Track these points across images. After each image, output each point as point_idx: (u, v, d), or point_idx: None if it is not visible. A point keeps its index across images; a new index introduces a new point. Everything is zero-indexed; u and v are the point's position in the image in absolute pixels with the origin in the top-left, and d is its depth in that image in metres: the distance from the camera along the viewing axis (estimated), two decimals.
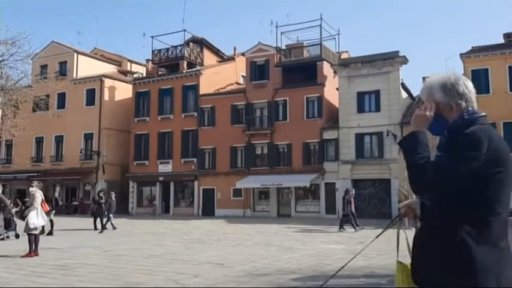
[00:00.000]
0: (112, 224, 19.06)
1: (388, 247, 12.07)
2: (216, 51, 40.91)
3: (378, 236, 2.91)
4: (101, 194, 20.12)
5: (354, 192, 19.35)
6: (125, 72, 42.24)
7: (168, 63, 37.73)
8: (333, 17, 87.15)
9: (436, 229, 1.95)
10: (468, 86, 2.07)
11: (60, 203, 20.76)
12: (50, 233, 16.03)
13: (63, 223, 21.92)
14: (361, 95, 29.66)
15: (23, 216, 10.54)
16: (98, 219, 18.84)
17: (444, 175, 1.86)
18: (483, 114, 2.03)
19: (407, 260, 2.27)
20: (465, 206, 1.89)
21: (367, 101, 29.72)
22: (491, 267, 1.84)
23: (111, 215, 19.31)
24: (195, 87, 35.05)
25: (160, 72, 38.03)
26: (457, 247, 1.86)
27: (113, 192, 20.82)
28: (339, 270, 3.37)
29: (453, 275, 1.86)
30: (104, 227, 18.41)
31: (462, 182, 1.87)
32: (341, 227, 17.95)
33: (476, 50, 28.44)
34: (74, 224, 22.12)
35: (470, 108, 2.03)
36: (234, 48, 40.91)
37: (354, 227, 17.80)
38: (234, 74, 37.74)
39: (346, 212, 18.13)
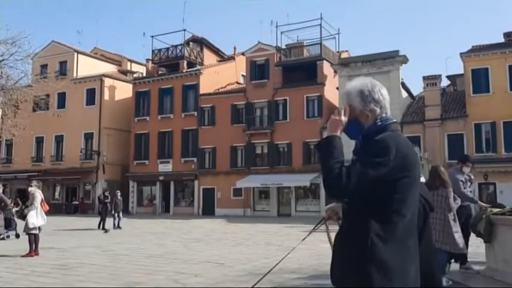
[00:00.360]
0: (118, 224, 18.92)
1: None
2: (216, 51, 40.91)
3: (304, 239, 3.00)
4: (106, 194, 20.04)
5: None
6: (125, 72, 42.25)
7: (168, 62, 37.74)
8: (333, 17, 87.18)
9: (350, 230, 2.07)
10: (383, 94, 2.13)
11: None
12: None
13: (63, 223, 21.95)
14: None
15: (23, 215, 10.55)
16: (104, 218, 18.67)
17: (355, 180, 1.95)
18: (394, 121, 2.14)
19: None
20: (374, 208, 2.00)
21: None
22: (398, 265, 1.96)
23: (118, 214, 19.16)
24: (195, 87, 35.05)
25: (160, 72, 38.03)
26: (366, 247, 1.95)
27: (118, 192, 20.71)
28: (272, 269, 3.50)
29: (362, 274, 1.94)
30: (104, 228, 18.26)
31: (372, 186, 1.97)
32: None
33: (477, 49, 28.42)
34: (75, 224, 22.13)
35: (384, 115, 2.11)
36: (234, 48, 40.94)
37: None
38: (234, 74, 37.74)
39: None
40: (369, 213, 2.00)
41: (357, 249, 1.99)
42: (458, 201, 6.70)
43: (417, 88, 43.31)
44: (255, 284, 3.80)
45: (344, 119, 2.11)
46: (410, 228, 2.07)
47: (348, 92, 2.19)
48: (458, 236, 6.36)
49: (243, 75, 36.97)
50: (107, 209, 19.00)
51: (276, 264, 3.23)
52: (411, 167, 2.04)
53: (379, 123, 2.10)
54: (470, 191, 7.69)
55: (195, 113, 34.82)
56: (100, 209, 19.34)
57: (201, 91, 34.85)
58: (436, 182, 6.61)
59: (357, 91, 2.14)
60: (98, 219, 19.27)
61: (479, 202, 7.74)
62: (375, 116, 2.10)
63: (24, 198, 16.64)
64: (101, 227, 18.44)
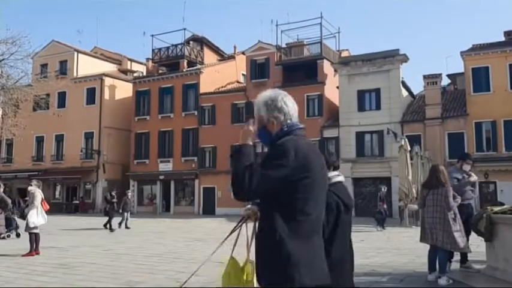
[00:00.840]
0: (126, 224, 18.81)
1: (388, 245, 12.08)
2: (216, 50, 40.89)
3: (226, 238, 3.06)
4: (113, 193, 19.91)
5: (385, 190, 18.98)
6: (125, 71, 42.23)
7: (168, 62, 37.72)
8: (333, 16, 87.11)
9: (262, 229, 2.25)
10: (286, 102, 2.34)
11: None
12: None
13: (63, 222, 21.96)
14: (361, 94, 29.65)
15: (23, 215, 10.55)
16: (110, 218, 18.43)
17: (257, 182, 2.11)
18: (300, 126, 2.34)
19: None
20: (279, 207, 2.17)
21: (368, 100, 29.70)
22: (304, 260, 2.12)
23: (127, 214, 18.97)
24: (196, 86, 35.03)
25: (160, 71, 38.01)
26: (275, 244, 2.13)
27: (129, 191, 20.52)
28: (205, 261, 3.52)
29: (273, 269, 2.13)
30: (111, 227, 18.08)
31: (275, 187, 2.14)
32: (381, 226, 17.39)
33: (477, 48, 28.38)
34: (75, 223, 22.14)
35: (288, 121, 2.31)
36: (234, 47, 40.88)
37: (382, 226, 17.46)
38: (234, 73, 37.73)
39: (379, 209, 17.80)
40: (275, 213, 2.16)
41: (268, 246, 2.17)
42: (458, 199, 6.70)
43: (417, 87, 43.36)
44: (183, 284, 3.93)
45: (254, 128, 2.32)
46: (316, 226, 2.25)
47: (256, 104, 2.39)
48: (459, 235, 6.35)
49: (243, 74, 36.95)
50: (114, 208, 18.85)
51: (205, 261, 3.43)
52: (312, 168, 2.20)
53: (285, 129, 2.29)
54: (472, 190, 7.67)
55: (196, 112, 34.81)
56: (107, 209, 19.11)
57: (201, 90, 34.83)
58: (436, 180, 6.61)
59: (262, 102, 2.35)
60: (98, 219, 19.22)
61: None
62: (280, 123, 2.31)
63: (24, 198, 16.60)
64: (109, 226, 18.20)
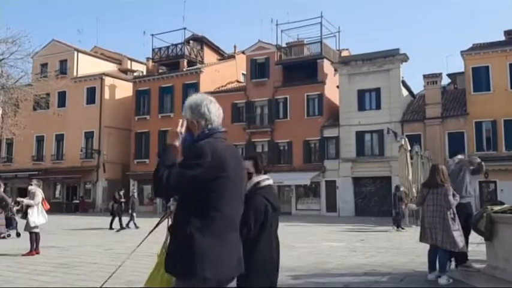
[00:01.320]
0: (134, 223, 18.71)
1: (387, 245, 12.09)
2: (216, 49, 40.89)
3: (153, 229, 3.18)
4: (121, 193, 19.82)
5: (402, 189, 18.75)
6: (125, 71, 42.23)
7: (168, 61, 37.73)
8: (333, 15, 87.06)
9: (176, 223, 2.40)
10: (209, 108, 2.52)
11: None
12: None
13: (64, 222, 21.96)
14: (361, 93, 29.65)
15: (23, 212, 10.54)
16: (117, 218, 18.38)
17: (174, 180, 2.28)
18: (221, 130, 2.53)
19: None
20: (194, 204, 2.33)
21: (368, 99, 29.71)
22: (211, 256, 2.27)
23: (134, 214, 18.93)
24: (196, 86, 35.02)
25: (160, 71, 38.01)
26: (184, 237, 2.28)
27: (135, 191, 20.42)
28: (130, 254, 3.72)
29: (177, 259, 2.30)
30: (122, 226, 18.02)
31: (191, 185, 2.30)
32: (399, 226, 17.14)
33: (477, 48, 28.38)
34: (75, 223, 22.14)
35: (210, 125, 2.50)
36: (234, 46, 40.88)
37: (399, 226, 17.26)
38: (234, 72, 37.72)
39: (398, 209, 17.56)
40: (190, 209, 2.33)
41: (178, 241, 2.32)
42: (457, 197, 6.71)
43: (418, 86, 43.37)
44: (103, 284, 4.01)
45: (181, 129, 2.49)
46: (231, 223, 2.41)
47: (184, 107, 2.58)
48: (457, 235, 6.36)
49: (243, 74, 36.95)
50: (122, 208, 18.76)
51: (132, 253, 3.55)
52: (228, 169, 2.37)
53: (206, 132, 2.48)
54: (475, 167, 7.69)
55: None
56: (115, 208, 19.03)
57: (202, 90, 34.76)
58: (435, 180, 6.62)
59: (188, 105, 2.55)
60: (99, 218, 19.21)
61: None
62: (202, 126, 2.49)
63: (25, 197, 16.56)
64: (119, 225, 18.15)
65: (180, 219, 2.37)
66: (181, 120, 2.52)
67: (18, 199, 11.87)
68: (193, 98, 2.58)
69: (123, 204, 19.01)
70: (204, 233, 2.28)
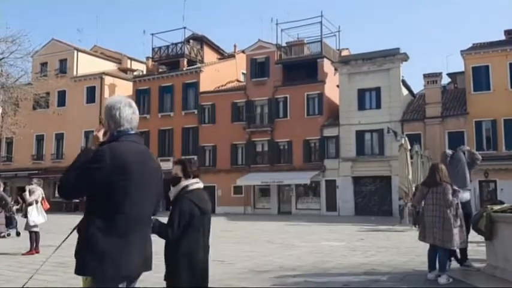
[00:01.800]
0: None
1: (387, 244, 12.09)
2: (216, 49, 40.85)
3: (73, 230, 3.01)
4: None
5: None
6: (125, 70, 42.21)
7: (168, 60, 37.70)
8: (333, 14, 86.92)
9: (82, 223, 2.49)
10: (122, 111, 2.58)
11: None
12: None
13: (63, 221, 21.94)
14: (361, 92, 29.64)
15: (25, 212, 10.54)
16: None
17: (74, 184, 2.41)
18: (131, 133, 2.59)
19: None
20: (96, 206, 2.43)
21: (368, 98, 29.71)
22: (112, 255, 2.35)
23: None
24: (195, 85, 35.01)
25: (160, 70, 37.99)
26: (87, 237, 2.38)
27: None
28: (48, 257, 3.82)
29: (81, 258, 2.40)
30: None
31: (90, 189, 2.41)
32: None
33: (477, 47, 28.37)
34: (75, 222, 22.09)
35: (120, 128, 2.56)
36: (234, 46, 40.84)
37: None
38: (234, 72, 37.70)
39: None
40: (93, 210, 2.43)
41: (82, 241, 2.41)
42: (460, 194, 6.69)
43: (418, 86, 43.33)
44: (24, 284, 4.09)
45: (99, 134, 2.59)
46: (136, 224, 2.48)
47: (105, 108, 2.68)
48: (456, 232, 6.34)
49: (243, 73, 36.93)
50: None
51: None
52: (131, 172, 2.43)
53: (116, 134, 2.55)
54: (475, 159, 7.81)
55: (195, 111, 34.79)
56: None
57: (201, 89, 34.82)
58: (434, 178, 6.62)
59: (105, 107, 2.63)
60: None
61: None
62: (112, 129, 2.57)
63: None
64: None
65: (85, 220, 2.46)
66: (101, 125, 2.62)
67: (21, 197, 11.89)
68: (109, 101, 2.66)
69: None
70: (105, 233, 2.36)
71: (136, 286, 2.59)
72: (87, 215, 2.46)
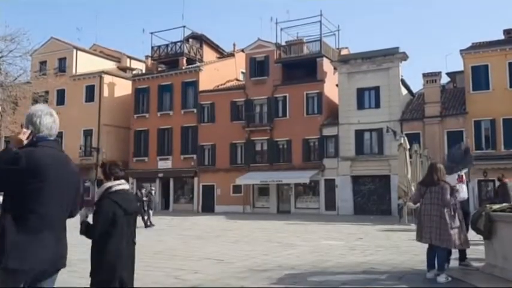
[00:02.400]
0: (150, 221, 18.60)
1: (386, 243, 12.11)
2: (215, 48, 40.83)
3: None
4: (143, 191, 19.55)
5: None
6: (124, 69, 42.15)
7: (167, 59, 37.67)
8: (332, 14, 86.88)
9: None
10: (42, 118, 2.80)
11: None
12: None
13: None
14: (360, 92, 29.64)
15: None
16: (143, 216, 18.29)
17: None
18: (48, 139, 2.79)
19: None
20: (11, 204, 2.59)
21: (367, 98, 29.71)
22: (20, 250, 2.53)
23: (150, 212, 18.82)
24: (195, 84, 34.99)
25: (159, 69, 37.96)
26: (1, 235, 2.53)
27: (153, 188, 20.21)
28: None
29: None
30: (147, 224, 18.06)
31: (7, 187, 2.60)
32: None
33: (476, 46, 28.38)
34: (74, 221, 22.06)
35: (39, 134, 2.76)
36: (234, 45, 40.82)
37: None
38: (233, 71, 37.68)
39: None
40: (8, 207, 2.60)
41: None
42: (454, 197, 6.69)
43: (417, 85, 43.24)
44: None
45: (23, 137, 2.73)
46: (50, 224, 2.66)
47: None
48: (454, 233, 6.34)
49: (242, 72, 36.91)
50: (144, 206, 18.59)
51: None
52: (46, 175, 2.62)
53: (34, 140, 2.73)
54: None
55: (195, 110, 34.78)
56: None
57: (201, 88, 34.79)
58: (432, 178, 6.63)
59: (27, 115, 2.83)
60: None
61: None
62: (32, 135, 2.75)
63: None
64: (148, 222, 18.13)
65: (0, 216, 2.64)
66: (24, 129, 2.77)
67: None
68: (32, 108, 2.87)
69: (145, 202, 18.77)
70: (16, 230, 2.54)
71: (53, 286, 2.85)
72: (2, 211, 2.64)
